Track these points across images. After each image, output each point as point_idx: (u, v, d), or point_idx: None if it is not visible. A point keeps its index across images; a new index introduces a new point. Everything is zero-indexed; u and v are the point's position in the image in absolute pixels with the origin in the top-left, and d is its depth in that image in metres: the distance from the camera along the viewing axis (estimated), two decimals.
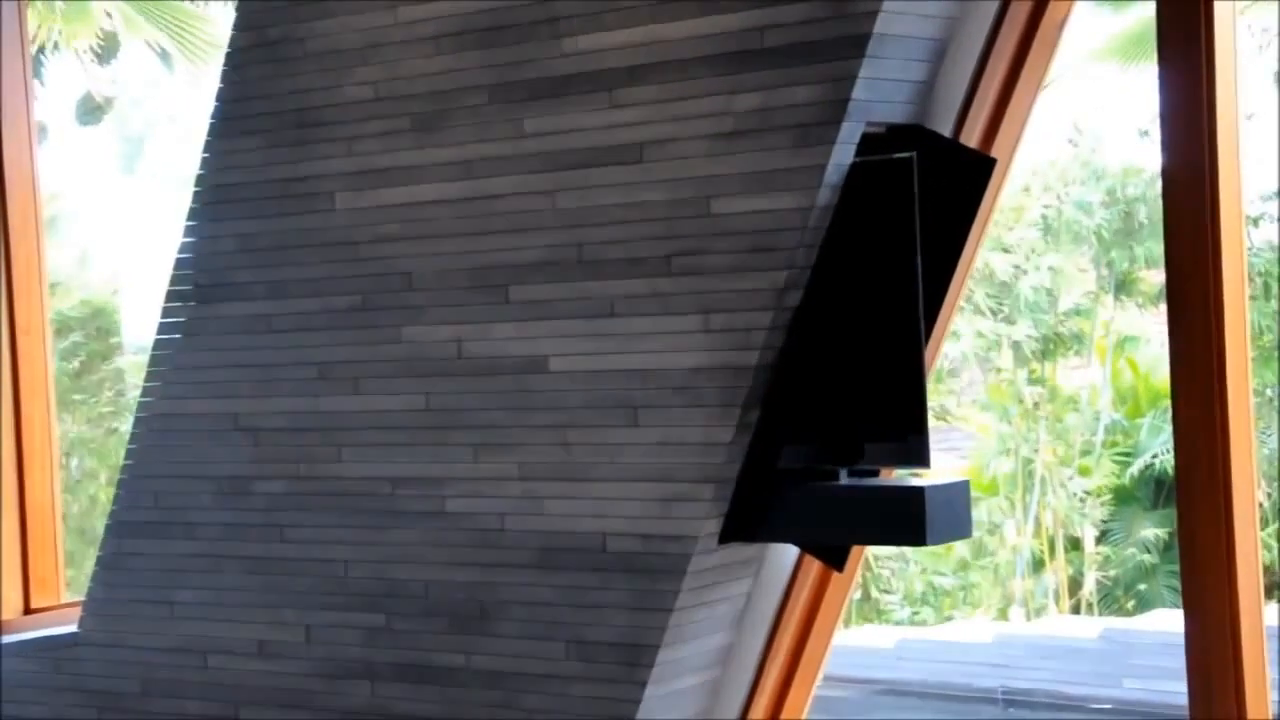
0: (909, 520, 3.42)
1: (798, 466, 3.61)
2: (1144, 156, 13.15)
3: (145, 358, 4.75)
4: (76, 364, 13.42)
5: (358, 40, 4.11)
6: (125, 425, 13.08)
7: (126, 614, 4.55)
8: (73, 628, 4.68)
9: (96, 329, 13.56)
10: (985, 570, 13.37)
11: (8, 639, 4.82)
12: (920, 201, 3.50)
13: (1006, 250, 13.02)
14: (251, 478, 4.32)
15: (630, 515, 3.72)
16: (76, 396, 13.21)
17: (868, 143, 3.52)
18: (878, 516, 3.50)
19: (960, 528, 3.53)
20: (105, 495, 12.63)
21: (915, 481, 3.54)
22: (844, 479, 3.57)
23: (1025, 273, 13.04)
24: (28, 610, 5.01)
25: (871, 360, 3.53)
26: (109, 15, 10.38)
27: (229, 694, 4.37)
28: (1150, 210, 12.85)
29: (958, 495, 3.51)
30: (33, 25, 9.54)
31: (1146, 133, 12.89)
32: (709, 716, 3.93)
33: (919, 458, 3.48)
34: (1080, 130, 13.50)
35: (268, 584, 4.29)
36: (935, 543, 3.48)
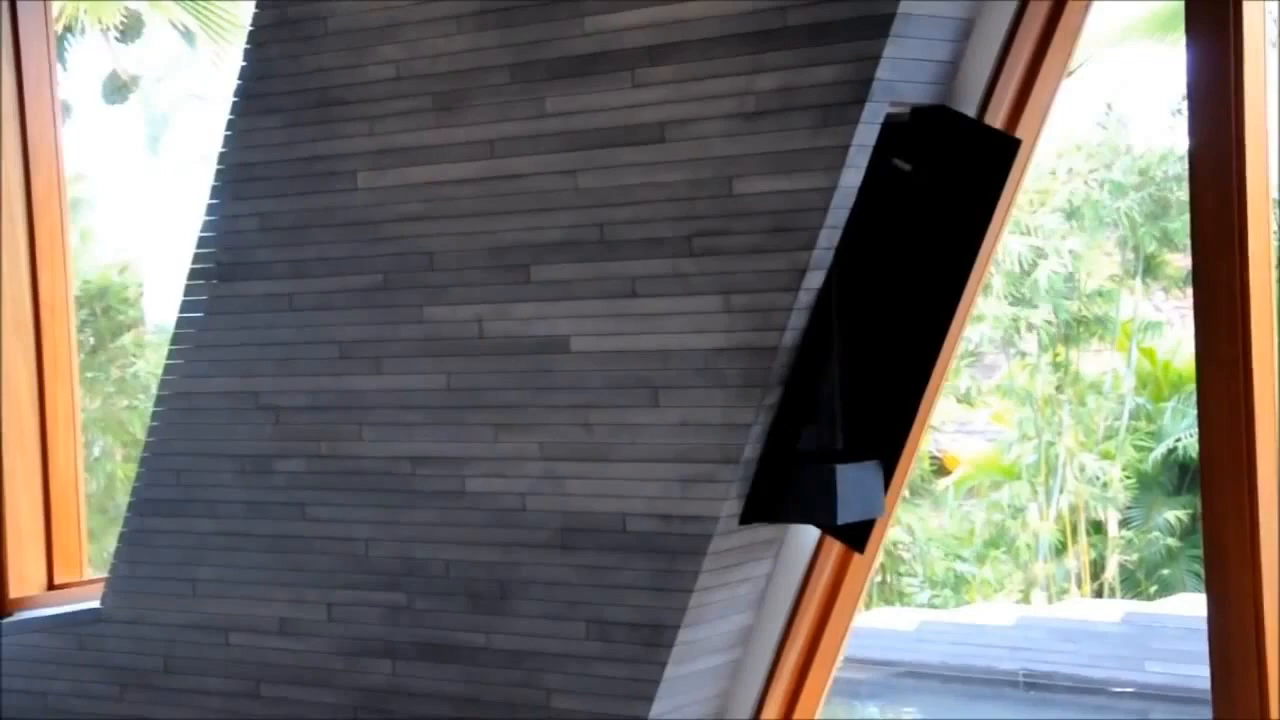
0: (822, 498, 3.52)
1: (815, 448, 3.61)
2: (1172, 138, 13.08)
3: (166, 337, 4.76)
4: (91, 340, 13.45)
5: (379, 19, 4.11)
6: (132, 403, 13.13)
7: (149, 591, 4.57)
8: (96, 604, 4.71)
9: (104, 308, 13.56)
10: (1003, 563, 13.32)
11: (32, 614, 4.85)
12: (944, 183, 3.48)
13: (1025, 233, 12.94)
14: (273, 456, 4.33)
15: (650, 496, 3.72)
16: (89, 374, 13.24)
17: (891, 124, 3.50)
18: (797, 495, 3.58)
19: (872, 507, 3.61)
20: (123, 473, 12.66)
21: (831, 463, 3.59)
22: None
23: (1045, 256, 12.97)
24: (51, 586, 5.03)
25: (889, 344, 3.53)
26: None
27: (250, 671, 4.39)
28: (1164, 191, 12.78)
29: (869, 475, 3.58)
30: (55, 6, 9.57)
31: (1179, 111, 12.80)
32: (728, 697, 3.93)
33: (832, 440, 3.57)
34: (1110, 108, 13.41)
35: (289, 562, 4.31)
36: (846, 519, 3.56)
